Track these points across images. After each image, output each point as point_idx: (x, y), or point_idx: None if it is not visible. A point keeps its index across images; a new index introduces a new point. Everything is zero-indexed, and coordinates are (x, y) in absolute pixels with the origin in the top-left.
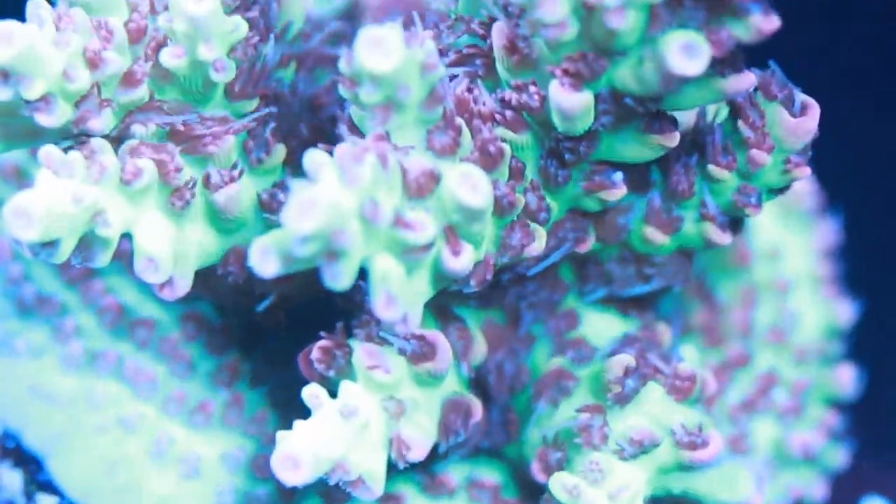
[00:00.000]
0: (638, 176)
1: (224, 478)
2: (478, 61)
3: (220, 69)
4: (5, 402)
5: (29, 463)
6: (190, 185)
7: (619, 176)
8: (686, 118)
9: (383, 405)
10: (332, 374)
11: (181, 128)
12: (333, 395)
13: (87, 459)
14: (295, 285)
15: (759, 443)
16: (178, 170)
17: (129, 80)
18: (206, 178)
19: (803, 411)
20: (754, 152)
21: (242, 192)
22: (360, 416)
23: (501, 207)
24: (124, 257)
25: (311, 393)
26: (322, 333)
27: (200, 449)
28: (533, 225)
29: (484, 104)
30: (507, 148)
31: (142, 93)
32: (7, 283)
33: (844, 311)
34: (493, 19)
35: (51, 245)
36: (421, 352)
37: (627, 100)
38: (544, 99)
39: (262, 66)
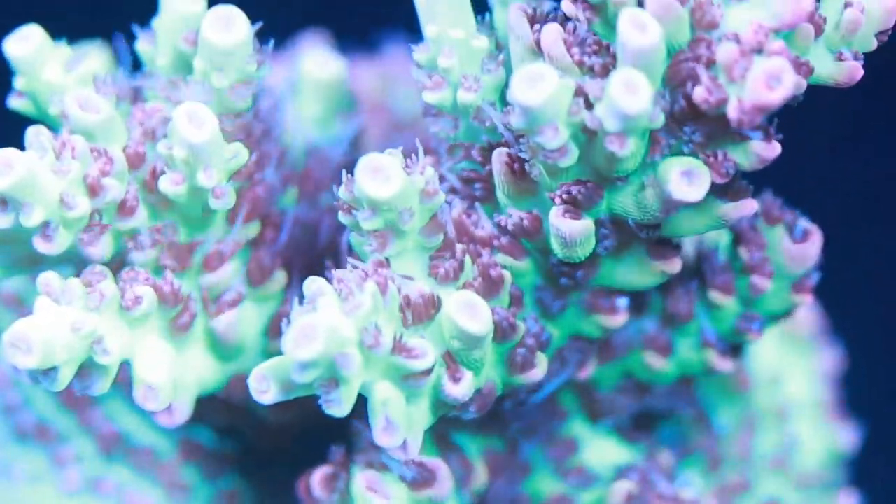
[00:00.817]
0: (637, 302)
1: None
2: (477, 185)
3: (219, 196)
4: None
5: None
6: (189, 312)
7: (622, 302)
8: (687, 244)
9: None
10: (331, 500)
11: (180, 254)
12: None
13: None
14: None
15: None
16: (178, 296)
17: (126, 206)
18: (206, 305)
19: None
20: (755, 278)
21: (242, 319)
22: None
23: (502, 334)
24: (123, 383)
25: None
26: (327, 457)
27: None
28: (534, 351)
29: (483, 229)
30: (507, 274)
31: (141, 219)
32: (6, 410)
33: (846, 437)
34: (492, 145)
35: (50, 372)
36: (421, 479)
37: (630, 223)
38: (543, 225)
39: (263, 192)
